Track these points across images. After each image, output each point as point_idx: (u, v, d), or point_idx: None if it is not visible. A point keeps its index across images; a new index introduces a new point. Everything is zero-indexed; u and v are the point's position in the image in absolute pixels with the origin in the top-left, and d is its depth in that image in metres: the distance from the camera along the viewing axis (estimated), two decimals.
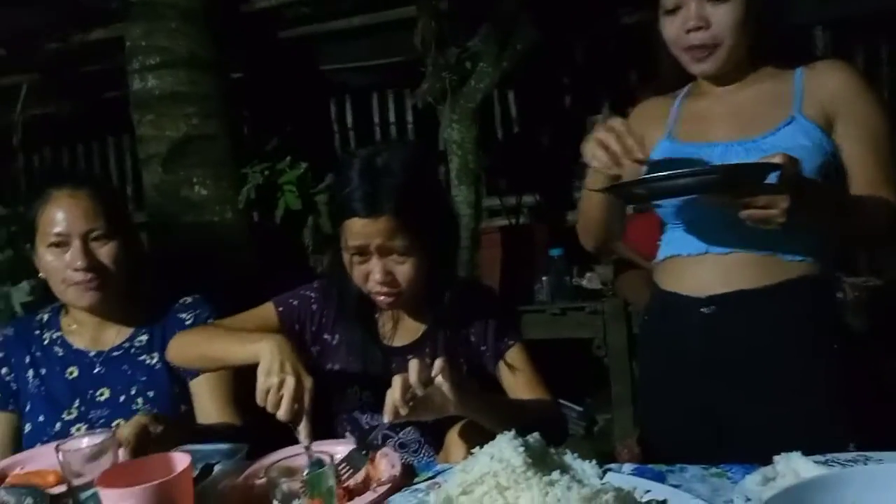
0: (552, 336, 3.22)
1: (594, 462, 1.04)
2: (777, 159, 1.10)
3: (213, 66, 2.90)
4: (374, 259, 1.30)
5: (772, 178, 1.12)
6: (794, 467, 0.89)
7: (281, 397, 1.11)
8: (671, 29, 1.31)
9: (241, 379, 1.53)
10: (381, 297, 1.34)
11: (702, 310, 1.31)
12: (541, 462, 0.99)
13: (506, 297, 3.28)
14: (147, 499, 0.93)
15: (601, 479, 1.02)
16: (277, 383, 1.12)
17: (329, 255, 1.51)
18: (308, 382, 1.13)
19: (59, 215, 1.48)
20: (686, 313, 1.34)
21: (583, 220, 1.49)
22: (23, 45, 3.78)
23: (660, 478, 1.04)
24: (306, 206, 3.07)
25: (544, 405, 1.37)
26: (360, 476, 1.13)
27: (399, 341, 1.45)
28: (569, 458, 1.05)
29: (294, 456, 1.11)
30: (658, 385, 1.46)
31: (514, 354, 1.42)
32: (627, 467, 1.09)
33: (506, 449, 0.97)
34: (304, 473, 0.94)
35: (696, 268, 1.33)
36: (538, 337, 3.15)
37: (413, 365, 1.13)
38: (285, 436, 1.19)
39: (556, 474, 0.96)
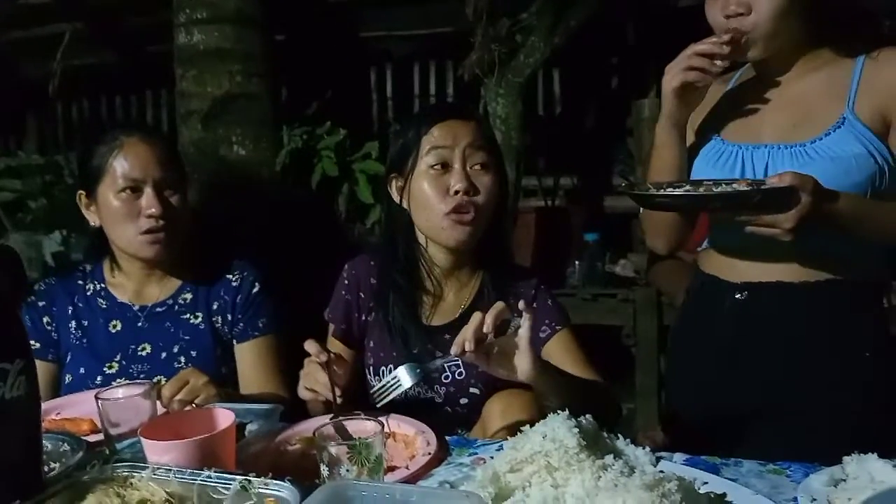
0: (581, 322, 3.14)
1: (648, 449, 1.00)
2: (787, 180, 1.07)
3: (259, 25, 2.86)
4: (457, 168, 1.34)
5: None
6: (869, 470, 0.84)
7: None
8: (713, 12, 1.26)
9: (289, 350, 1.53)
10: (461, 215, 1.33)
11: (736, 296, 1.30)
12: (594, 445, 0.96)
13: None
14: (191, 452, 0.92)
15: (655, 466, 0.98)
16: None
17: (383, 213, 1.53)
18: (322, 356, 1.18)
19: (134, 161, 1.46)
20: (720, 298, 1.33)
21: (653, 223, 1.44)
22: None
23: (714, 470, 1.01)
24: (343, 173, 3.03)
25: (601, 387, 1.34)
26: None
27: (438, 321, 1.42)
28: (621, 443, 1.01)
29: (333, 423, 1.09)
30: (687, 370, 1.44)
31: (563, 339, 1.39)
32: (679, 457, 1.06)
33: (560, 429, 0.94)
34: (355, 439, 0.91)
35: (738, 255, 1.31)
36: None
37: (497, 305, 1.11)
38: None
39: (609, 458, 0.93)
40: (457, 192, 1.32)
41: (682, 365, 1.48)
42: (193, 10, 2.78)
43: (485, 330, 1.08)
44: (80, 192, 1.54)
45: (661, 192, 1.20)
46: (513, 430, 1.10)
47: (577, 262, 3.30)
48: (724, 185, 1.15)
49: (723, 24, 1.25)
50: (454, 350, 1.10)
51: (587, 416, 1.00)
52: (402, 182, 1.39)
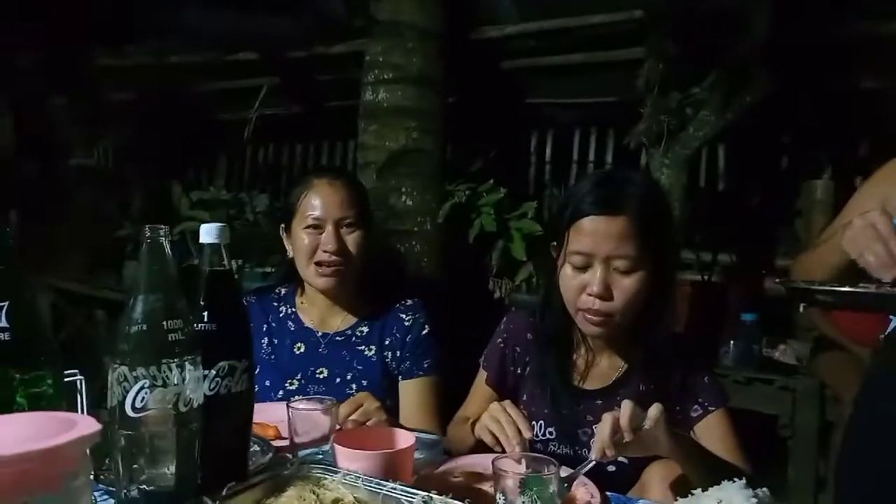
0: (732, 405, 3.01)
1: None
2: None
3: (438, 86, 3.08)
4: (597, 267, 1.27)
5: None
6: None
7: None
8: None
9: (448, 393, 1.61)
10: (592, 316, 1.31)
11: None
12: None
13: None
14: (378, 464, 1.00)
15: None
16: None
17: (544, 275, 1.55)
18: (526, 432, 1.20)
19: (319, 201, 1.64)
20: None
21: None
22: (271, 52, 4.24)
23: None
24: (500, 229, 3.13)
25: (742, 475, 1.28)
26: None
27: (590, 385, 1.42)
28: None
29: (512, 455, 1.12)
30: (869, 482, 1.30)
31: (716, 421, 1.35)
32: None
33: (736, 497, 0.93)
34: (526, 472, 0.95)
35: None
36: None
37: (626, 406, 1.11)
38: None
39: None
40: (591, 294, 1.30)
41: (864, 476, 1.33)
42: (381, 70, 3.04)
43: (626, 440, 1.10)
44: (282, 224, 1.74)
45: (846, 288, 1.09)
46: (675, 495, 1.09)
47: (731, 342, 3.16)
48: None
49: None
50: (595, 456, 1.11)
51: (764, 489, 0.98)
52: (555, 255, 1.38)
